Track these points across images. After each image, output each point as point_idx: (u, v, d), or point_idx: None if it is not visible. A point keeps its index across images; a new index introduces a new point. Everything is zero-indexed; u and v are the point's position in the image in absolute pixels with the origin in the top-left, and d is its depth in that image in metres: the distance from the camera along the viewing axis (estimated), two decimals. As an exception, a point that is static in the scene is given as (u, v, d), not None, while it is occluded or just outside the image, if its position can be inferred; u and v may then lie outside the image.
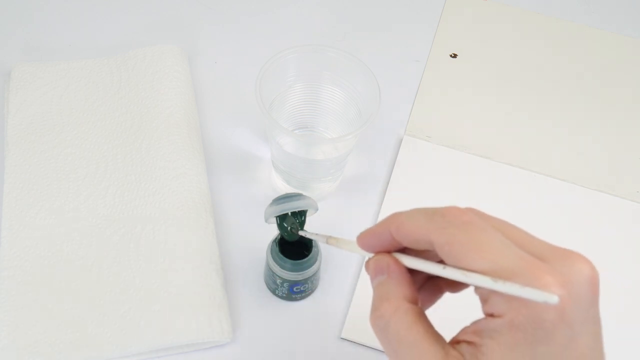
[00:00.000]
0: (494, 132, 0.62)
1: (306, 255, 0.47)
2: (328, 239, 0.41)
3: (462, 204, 0.57)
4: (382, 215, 0.55)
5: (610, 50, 0.70)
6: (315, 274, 0.49)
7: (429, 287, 0.37)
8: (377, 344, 0.49)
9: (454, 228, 0.31)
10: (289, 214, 0.46)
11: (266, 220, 0.47)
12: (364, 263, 0.37)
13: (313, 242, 0.48)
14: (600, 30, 0.71)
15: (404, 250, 0.35)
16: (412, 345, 0.32)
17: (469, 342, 0.31)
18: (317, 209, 0.47)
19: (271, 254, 0.48)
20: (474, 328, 0.32)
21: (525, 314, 0.29)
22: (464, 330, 0.32)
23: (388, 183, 0.57)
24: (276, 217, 0.46)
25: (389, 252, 0.35)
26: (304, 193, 0.47)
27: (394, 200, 0.56)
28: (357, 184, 0.57)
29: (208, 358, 0.47)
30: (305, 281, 0.48)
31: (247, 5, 0.70)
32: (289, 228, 0.46)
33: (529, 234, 0.32)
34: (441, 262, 0.33)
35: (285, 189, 0.55)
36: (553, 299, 0.27)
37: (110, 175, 0.54)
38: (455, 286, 0.36)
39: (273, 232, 0.48)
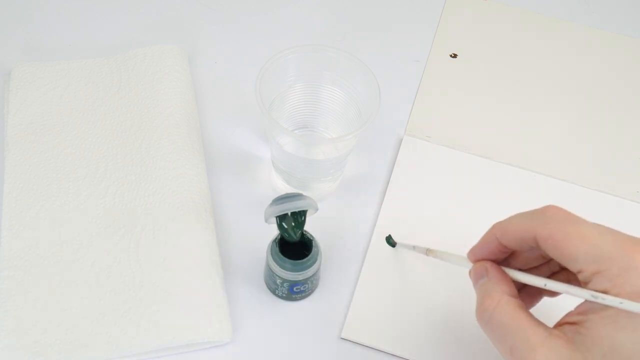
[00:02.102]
0: (494, 132, 0.62)
1: (306, 255, 0.47)
2: (428, 251, 0.46)
3: (462, 204, 0.57)
4: (382, 215, 0.55)
5: (610, 50, 0.70)
6: (315, 274, 0.49)
7: (529, 290, 0.41)
8: (377, 344, 0.49)
9: (555, 222, 0.35)
10: (289, 214, 0.46)
11: (266, 220, 0.47)
12: (468, 273, 0.42)
13: (313, 242, 0.48)
14: (600, 30, 0.71)
15: (507, 264, 0.40)
16: (516, 329, 0.35)
17: (571, 323, 0.34)
18: (317, 209, 0.47)
19: (271, 254, 0.48)
20: (578, 310, 0.34)
21: (629, 289, 0.32)
22: (567, 315, 0.35)
23: (388, 183, 0.57)
24: (276, 217, 0.46)
25: (494, 260, 0.40)
26: (304, 193, 0.47)
27: (394, 200, 0.56)
28: (357, 184, 0.57)
29: (208, 358, 0.47)
30: (305, 281, 0.48)
31: (247, 5, 0.70)
32: (289, 229, 0.46)
33: (607, 248, 0.35)
34: (543, 266, 0.39)
35: (285, 189, 0.55)
36: None
37: (110, 175, 0.54)
38: (554, 292, 0.39)
39: (273, 232, 0.48)
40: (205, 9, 0.69)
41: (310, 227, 0.48)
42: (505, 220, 0.38)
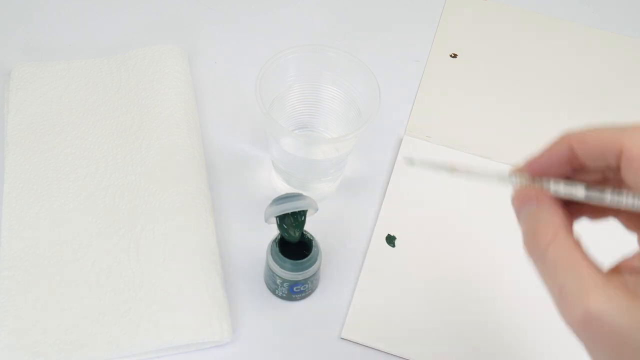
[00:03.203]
0: (494, 132, 0.62)
1: (306, 255, 0.47)
2: (451, 169, 0.37)
3: (462, 204, 0.57)
4: (382, 216, 0.55)
5: (610, 50, 0.70)
6: (315, 274, 0.49)
7: (568, 208, 0.35)
8: (377, 344, 0.49)
9: None
10: (289, 214, 0.46)
11: (266, 220, 0.47)
12: (511, 199, 0.35)
13: (313, 242, 0.48)
14: (600, 30, 0.71)
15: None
16: (571, 269, 0.30)
17: (632, 269, 0.30)
18: (317, 209, 0.47)
19: (271, 254, 0.48)
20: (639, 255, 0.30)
21: None
22: (627, 259, 0.31)
23: (388, 183, 0.57)
24: (276, 217, 0.46)
25: (551, 175, 0.34)
26: (304, 193, 0.47)
27: (394, 200, 0.56)
28: (357, 184, 0.57)
29: (208, 358, 0.47)
30: (305, 281, 0.48)
31: (247, 5, 0.70)
32: (289, 229, 0.46)
33: None
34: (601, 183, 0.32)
35: (285, 189, 0.55)
36: None
37: (110, 175, 0.54)
38: (598, 213, 0.34)
39: (273, 232, 0.48)
40: (205, 9, 0.69)
41: (310, 227, 0.48)
42: (583, 129, 0.32)
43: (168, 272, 0.49)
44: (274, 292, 0.50)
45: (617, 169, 0.31)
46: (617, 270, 0.31)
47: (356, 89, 0.52)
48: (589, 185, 0.32)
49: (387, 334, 0.49)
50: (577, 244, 0.31)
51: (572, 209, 0.34)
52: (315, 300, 0.51)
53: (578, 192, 0.32)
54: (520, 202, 0.34)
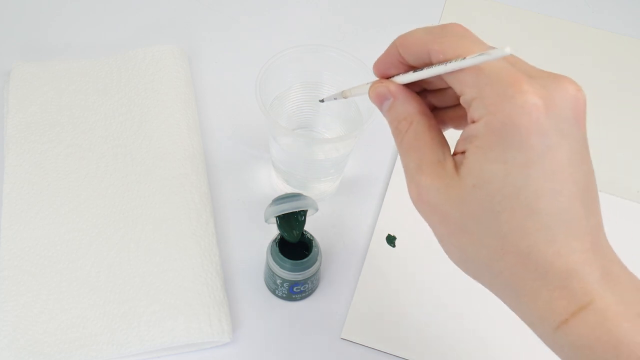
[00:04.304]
0: (494, 132, 0.62)
1: (306, 255, 0.47)
2: (343, 92, 0.42)
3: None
4: (382, 215, 0.55)
5: (610, 50, 0.70)
6: (315, 274, 0.49)
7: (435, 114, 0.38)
8: (377, 344, 0.49)
9: (450, 37, 0.32)
10: (289, 214, 0.46)
11: (266, 220, 0.47)
12: (369, 95, 0.37)
13: (313, 242, 0.48)
14: (600, 30, 0.71)
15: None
16: (417, 150, 0.33)
17: (459, 152, 0.32)
18: (317, 209, 0.47)
19: (271, 254, 0.48)
20: (462, 136, 0.32)
21: (501, 119, 0.29)
22: (458, 141, 0.33)
23: (388, 183, 0.57)
24: (276, 217, 0.46)
25: (400, 68, 0.36)
26: (304, 193, 0.47)
27: (394, 200, 0.56)
28: (357, 184, 0.57)
29: (208, 358, 0.47)
30: (305, 281, 0.48)
31: (247, 5, 0.70)
32: (289, 229, 0.46)
33: (529, 64, 0.33)
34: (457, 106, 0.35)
35: (285, 189, 0.55)
36: (504, 51, 0.29)
37: (110, 175, 0.54)
38: (458, 121, 0.37)
39: (273, 232, 0.48)
40: (205, 9, 0.69)
41: (310, 227, 0.48)
42: (407, 32, 0.35)
43: (168, 272, 0.49)
44: (274, 292, 0.50)
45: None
46: (454, 153, 0.33)
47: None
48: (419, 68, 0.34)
49: (387, 334, 0.49)
50: (433, 126, 0.34)
51: (437, 119, 0.37)
52: (315, 300, 0.51)
53: (411, 75, 0.35)
54: (377, 96, 0.36)
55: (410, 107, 0.35)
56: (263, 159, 0.58)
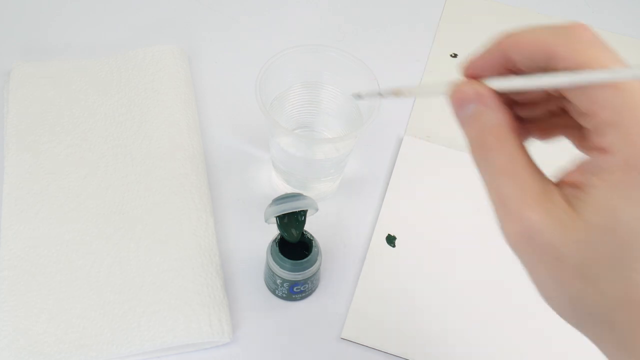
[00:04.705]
0: (494, 132, 0.62)
1: (306, 255, 0.47)
2: (395, 92, 0.36)
3: (462, 204, 0.57)
4: (383, 216, 0.55)
5: (610, 50, 0.70)
6: (315, 274, 0.49)
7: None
8: (377, 344, 0.49)
9: (581, 44, 0.27)
10: (289, 214, 0.46)
11: (266, 220, 0.47)
12: (449, 96, 0.32)
13: (313, 242, 0.48)
14: (600, 31, 0.71)
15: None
16: (514, 177, 0.28)
17: (572, 184, 0.28)
18: (317, 209, 0.47)
19: (271, 254, 0.48)
20: (581, 168, 0.28)
21: (631, 151, 0.25)
22: (568, 172, 0.29)
23: (388, 183, 0.57)
24: (276, 217, 0.46)
25: (500, 71, 0.31)
26: (304, 193, 0.47)
27: (394, 200, 0.56)
28: (357, 184, 0.57)
29: (208, 358, 0.47)
30: (305, 281, 0.48)
31: (247, 5, 0.70)
32: (289, 229, 0.46)
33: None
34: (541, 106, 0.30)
35: (285, 189, 0.55)
36: None
37: (110, 175, 0.54)
38: (546, 131, 0.33)
39: (273, 232, 0.48)
40: (205, 9, 0.69)
41: (310, 227, 0.48)
42: (519, 30, 0.29)
43: (168, 272, 0.49)
44: (274, 292, 0.50)
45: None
46: (559, 183, 0.29)
47: (356, 89, 0.52)
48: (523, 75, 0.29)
49: (387, 334, 0.49)
50: (523, 148, 0.30)
51: (521, 129, 0.32)
52: (315, 300, 0.51)
53: (515, 82, 0.29)
54: (461, 98, 0.31)
55: (502, 118, 0.29)
56: (263, 159, 0.58)
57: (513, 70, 0.30)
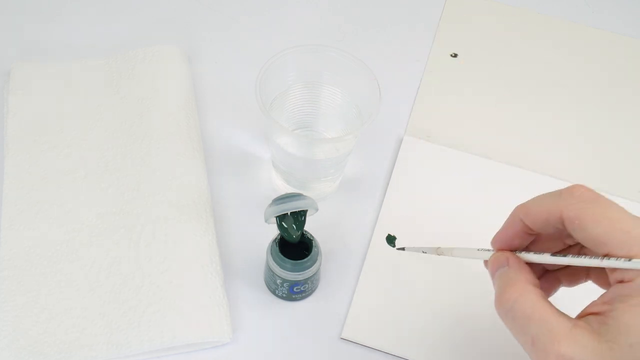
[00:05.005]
0: (494, 132, 0.62)
1: (306, 255, 0.47)
2: (438, 250, 0.45)
3: (462, 203, 0.57)
4: (383, 215, 0.55)
5: (610, 50, 0.70)
6: (315, 274, 0.49)
7: (547, 278, 0.40)
8: (377, 344, 0.49)
9: (583, 203, 0.33)
10: (289, 214, 0.46)
11: (266, 220, 0.47)
12: (484, 263, 0.40)
13: (313, 242, 0.48)
14: (600, 30, 0.71)
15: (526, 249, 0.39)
16: (539, 320, 0.33)
17: (596, 313, 0.32)
18: (317, 209, 0.47)
19: (271, 254, 0.48)
20: (603, 299, 0.33)
21: None
22: (591, 305, 0.34)
23: (388, 183, 0.57)
24: (276, 217, 0.46)
25: (516, 247, 0.38)
26: (304, 193, 0.47)
27: (394, 200, 0.56)
28: (357, 184, 0.57)
29: (208, 358, 0.47)
30: (305, 281, 0.48)
31: (247, 5, 0.70)
32: (289, 229, 0.46)
33: (629, 230, 0.34)
34: (564, 250, 0.37)
35: (285, 189, 0.55)
36: None
37: (110, 175, 0.54)
38: (573, 279, 0.38)
39: (273, 232, 0.48)
40: (205, 9, 0.69)
41: (310, 227, 0.48)
42: (529, 201, 0.37)
43: (168, 272, 0.49)
44: (274, 292, 0.50)
45: (567, 233, 0.35)
46: (583, 315, 0.34)
47: (356, 89, 0.52)
48: (554, 253, 0.36)
49: (387, 334, 0.49)
50: (544, 297, 0.35)
51: (551, 278, 0.39)
52: (315, 300, 0.51)
53: (545, 257, 0.36)
54: (494, 265, 0.38)
55: (523, 275, 0.36)
56: (263, 159, 0.58)
57: (532, 233, 0.37)
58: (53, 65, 0.60)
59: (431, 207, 0.56)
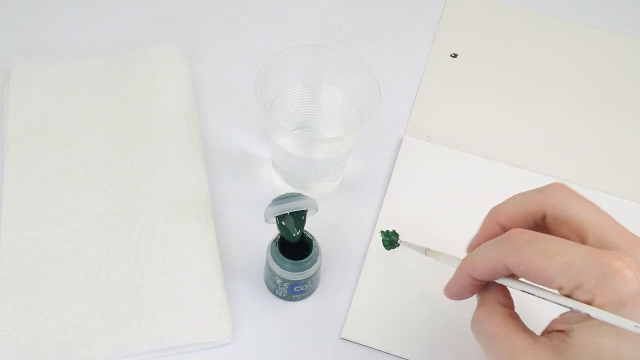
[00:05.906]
0: (494, 132, 0.62)
1: (306, 255, 0.47)
2: (426, 251, 0.46)
3: (462, 203, 0.57)
4: (383, 216, 0.55)
5: (610, 50, 0.70)
6: (315, 274, 0.49)
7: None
8: (377, 344, 0.49)
9: (522, 248, 0.35)
10: (289, 214, 0.46)
11: (266, 220, 0.47)
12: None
13: (313, 242, 0.48)
14: (600, 30, 0.71)
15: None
16: (502, 337, 0.35)
17: (558, 331, 0.34)
18: (317, 209, 0.47)
19: (271, 254, 0.48)
20: (563, 318, 0.35)
21: (610, 299, 0.32)
22: (552, 322, 0.36)
23: (388, 183, 0.57)
24: (276, 217, 0.46)
25: (476, 290, 0.40)
26: (304, 193, 0.47)
27: (394, 200, 0.56)
28: (357, 184, 0.57)
29: (208, 358, 0.47)
30: (305, 281, 0.48)
31: (247, 5, 0.70)
32: (289, 229, 0.46)
33: (610, 220, 0.37)
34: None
35: (285, 189, 0.55)
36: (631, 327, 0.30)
37: (110, 175, 0.54)
38: None
39: (273, 232, 0.48)
40: (205, 9, 0.69)
41: (310, 227, 0.48)
42: (472, 257, 0.38)
43: (168, 272, 0.49)
44: (274, 292, 0.50)
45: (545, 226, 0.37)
46: (548, 332, 0.35)
47: (356, 89, 0.52)
48: (524, 281, 0.37)
49: (387, 334, 0.49)
50: (512, 315, 0.37)
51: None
52: (315, 300, 0.51)
53: (515, 283, 0.37)
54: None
55: (492, 295, 0.38)
56: (263, 159, 0.58)
57: (483, 285, 0.39)
58: (53, 65, 0.60)
59: (431, 207, 0.56)
